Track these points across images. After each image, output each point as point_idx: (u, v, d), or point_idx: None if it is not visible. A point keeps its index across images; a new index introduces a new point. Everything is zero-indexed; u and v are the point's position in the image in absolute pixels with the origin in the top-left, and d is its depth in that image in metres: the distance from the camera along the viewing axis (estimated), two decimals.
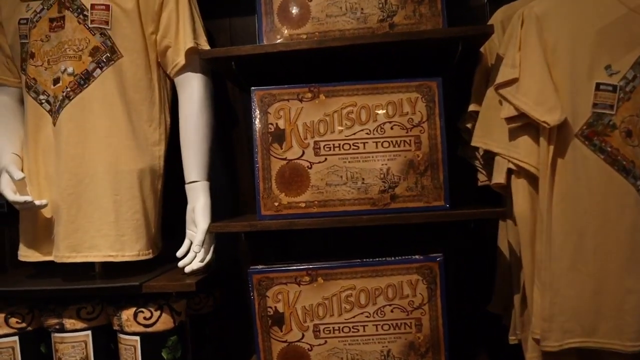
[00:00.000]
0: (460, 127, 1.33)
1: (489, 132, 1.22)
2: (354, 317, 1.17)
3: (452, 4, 1.34)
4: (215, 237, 1.31)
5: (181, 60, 1.30)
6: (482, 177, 1.33)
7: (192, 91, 1.32)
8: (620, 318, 1.11)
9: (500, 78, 1.16)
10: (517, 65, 1.14)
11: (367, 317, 1.17)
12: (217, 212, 1.32)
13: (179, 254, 1.27)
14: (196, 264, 1.24)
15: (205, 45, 1.33)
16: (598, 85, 1.12)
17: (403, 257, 1.18)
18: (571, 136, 1.13)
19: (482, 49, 1.26)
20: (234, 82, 1.43)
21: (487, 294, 1.35)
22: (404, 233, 1.29)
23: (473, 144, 1.24)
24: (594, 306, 1.12)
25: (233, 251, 1.45)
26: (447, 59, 1.25)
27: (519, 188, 1.18)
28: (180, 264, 1.26)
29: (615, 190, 1.11)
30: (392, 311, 1.17)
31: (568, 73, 1.12)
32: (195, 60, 1.31)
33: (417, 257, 1.18)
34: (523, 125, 1.15)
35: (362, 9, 1.23)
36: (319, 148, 1.19)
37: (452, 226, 1.30)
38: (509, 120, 1.15)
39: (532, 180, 1.17)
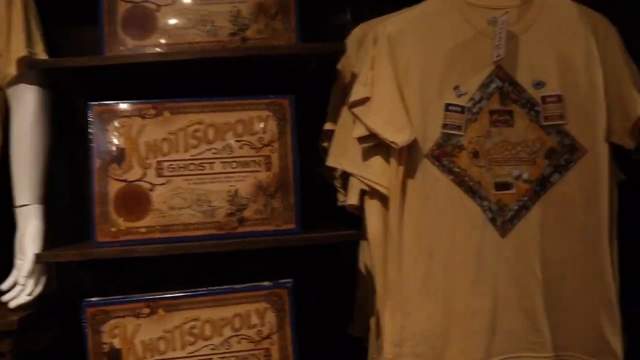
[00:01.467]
0: (319, 146, 1.29)
1: (343, 152, 1.18)
2: (198, 350, 1.08)
3: (316, 20, 1.31)
4: (54, 266, 1.19)
5: (12, 70, 1.17)
6: (341, 197, 1.28)
7: (26, 105, 1.19)
8: (468, 339, 1.09)
9: (353, 96, 1.12)
10: (369, 84, 1.10)
11: (212, 349, 1.09)
12: (61, 238, 1.20)
13: (4, 286, 1.14)
14: (23, 298, 1.12)
15: (41, 55, 1.21)
16: (447, 105, 1.11)
17: (251, 285, 1.11)
18: (421, 156, 1.11)
19: (339, 67, 1.23)
20: (80, 95, 1.32)
21: (349, 317, 1.31)
22: (257, 257, 1.22)
23: (328, 163, 1.20)
24: (444, 329, 1.10)
25: (76, 281, 1.33)
26: (304, 76, 1.21)
27: (372, 209, 1.14)
28: (5, 298, 1.12)
29: (463, 211, 1.10)
30: (239, 342, 1.10)
31: (419, 93, 1.11)
32: (30, 70, 1.19)
33: (265, 283, 1.12)
34: (376, 145, 1.11)
35: (213, 21, 1.16)
36: (162, 169, 1.10)
37: (309, 248, 1.25)
38: (361, 140, 1.11)
39: (385, 201, 1.13)
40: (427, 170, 1.10)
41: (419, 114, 1.10)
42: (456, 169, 1.10)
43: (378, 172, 1.12)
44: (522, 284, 1.10)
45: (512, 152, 1.11)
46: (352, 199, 1.16)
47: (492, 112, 1.11)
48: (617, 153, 1.14)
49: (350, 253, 1.26)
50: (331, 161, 1.19)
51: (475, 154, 1.10)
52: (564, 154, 1.11)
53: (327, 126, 1.22)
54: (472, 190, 1.10)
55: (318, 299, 1.34)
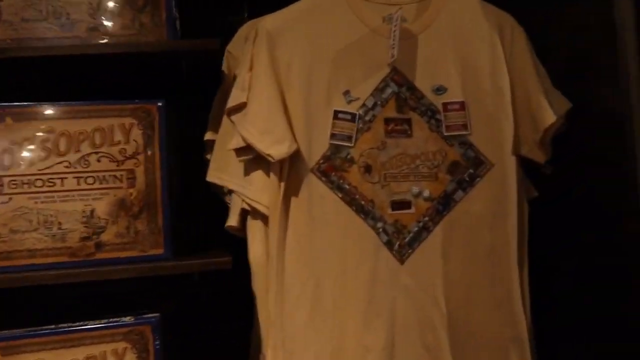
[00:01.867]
0: (205, 158, 1.14)
1: (224, 166, 1.03)
2: None
3: (210, 15, 1.18)
4: None
5: None
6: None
7: None
8: None
9: (230, 102, 0.98)
10: (246, 88, 0.97)
11: None
12: None
13: None
14: None
15: None
16: (336, 113, 0.97)
17: (107, 321, 0.95)
18: (306, 171, 0.96)
19: (224, 69, 1.09)
20: None
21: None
22: (122, 287, 1.06)
23: (208, 178, 1.05)
24: None
25: None
26: (183, 80, 1.07)
27: (255, 232, 0.99)
28: None
29: (354, 234, 0.96)
30: None
31: (303, 99, 0.97)
32: None
33: (126, 319, 0.96)
34: (257, 158, 0.98)
35: (68, 14, 1.00)
36: (2, 185, 0.93)
37: (186, 277, 1.10)
38: (239, 152, 0.97)
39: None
40: (313, 187, 0.96)
41: (304, 123, 0.96)
42: (346, 186, 0.96)
43: (258, 189, 0.97)
44: (424, 316, 0.97)
45: (410, 167, 0.98)
46: (232, 219, 1.01)
47: (387, 121, 0.98)
48: (528, 167, 1.04)
49: (245, 280, 1.11)
50: (211, 176, 1.04)
51: (368, 169, 0.97)
52: (468, 168, 0.99)
53: (208, 136, 1.08)
54: (363, 210, 0.96)
55: (200, 338, 1.18)
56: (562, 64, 1.06)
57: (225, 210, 1.05)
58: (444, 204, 0.98)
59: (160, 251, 0.97)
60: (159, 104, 0.98)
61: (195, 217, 1.08)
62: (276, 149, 0.92)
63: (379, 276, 0.96)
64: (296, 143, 0.94)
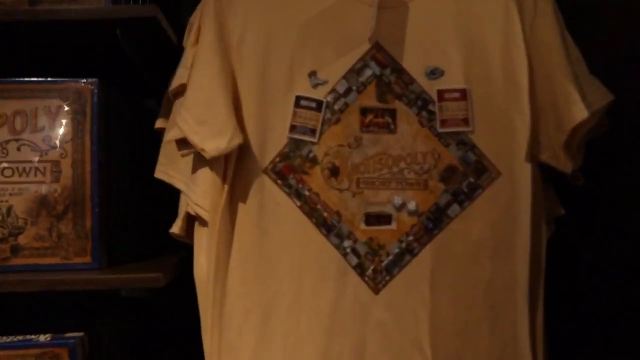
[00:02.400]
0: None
1: (173, 160, 0.85)
2: None
3: None
4: None
5: None
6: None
7: None
8: None
9: (173, 82, 0.80)
10: (189, 66, 0.79)
11: None
12: None
13: None
14: None
15: None
16: (298, 99, 0.77)
17: (19, 340, 0.81)
18: (258, 172, 0.77)
19: (185, 44, 0.91)
20: None
21: None
22: (49, 299, 0.91)
23: (156, 175, 0.88)
24: None
25: None
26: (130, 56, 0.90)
27: (202, 242, 0.81)
28: None
29: (313, 254, 0.76)
30: None
31: (258, 80, 0.77)
32: None
33: (41, 339, 0.81)
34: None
35: None
36: None
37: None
38: (179, 145, 0.79)
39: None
40: (266, 191, 0.77)
41: (257, 111, 0.77)
42: (305, 192, 0.77)
43: (202, 191, 0.78)
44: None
45: (392, 171, 0.77)
46: (176, 225, 0.83)
47: (364, 111, 0.77)
48: (554, 175, 0.80)
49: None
50: (158, 171, 0.86)
51: (334, 171, 0.76)
52: (467, 176, 0.76)
53: (159, 124, 0.91)
54: (325, 224, 0.76)
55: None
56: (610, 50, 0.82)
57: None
58: (434, 220, 0.76)
59: (86, 259, 0.81)
60: (92, 83, 0.82)
61: (146, 221, 0.92)
62: (212, 143, 0.73)
63: (344, 308, 0.75)
64: (241, 136, 0.74)
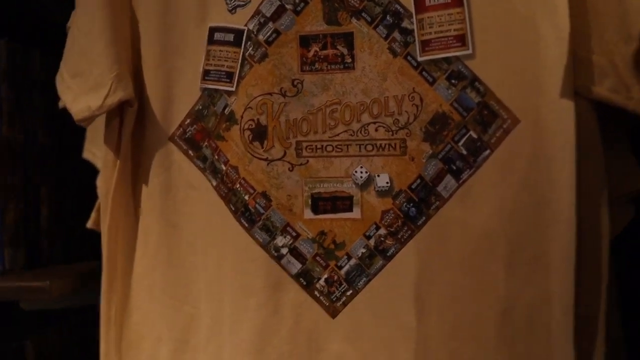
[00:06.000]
0: None
1: (97, 135, 0.66)
2: None
3: None
4: None
5: None
6: None
7: None
8: None
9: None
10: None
11: None
12: None
13: None
14: None
15: None
16: (212, 31, 0.53)
17: None
18: (164, 141, 0.54)
19: None
20: None
21: None
22: None
23: (83, 155, 0.69)
24: None
25: None
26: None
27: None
28: None
29: (232, 258, 0.51)
30: None
31: (160, 12, 0.54)
32: None
33: None
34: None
35: None
36: None
37: None
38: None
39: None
40: (175, 168, 0.54)
41: (159, 55, 0.54)
42: (222, 166, 0.53)
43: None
44: None
45: (351, 128, 0.50)
46: (91, 218, 0.63)
47: (305, 41, 0.51)
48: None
49: None
50: (85, 151, 0.67)
51: (259, 133, 0.51)
52: (466, 129, 0.47)
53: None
54: (248, 212, 0.51)
55: None
56: None
57: None
58: (418, 202, 0.48)
59: None
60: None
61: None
62: (82, 101, 0.52)
63: (279, 339, 0.50)
64: (127, 90, 0.51)
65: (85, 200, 0.71)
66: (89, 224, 0.63)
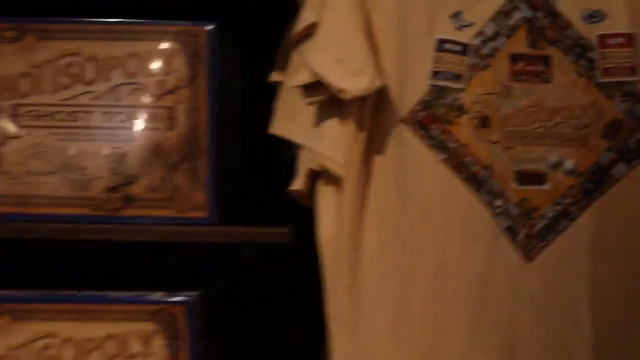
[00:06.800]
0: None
1: (292, 114, 0.77)
2: None
3: None
4: None
5: None
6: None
7: None
8: None
9: (297, 26, 0.73)
10: (318, 6, 0.71)
11: None
12: None
13: None
14: None
15: None
16: (440, 42, 0.69)
17: (132, 295, 0.76)
18: (396, 121, 0.70)
19: None
20: None
21: None
22: (158, 254, 0.86)
23: (272, 130, 0.82)
24: None
25: None
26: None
27: (326, 201, 0.73)
28: None
29: (460, 213, 0.69)
30: None
31: (395, 22, 0.70)
32: None
33: (154, 295, 0.76)
34: (333, 103, 0.72)
35: None
36: (19, 115, 0.76)
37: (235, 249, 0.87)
38: (307, 91, 0.71)
39: None
40: (406, 143, 0.70)
41: (394, 55, 0.70)
42: (452, 144, 0.69)
43: (330, 143, 0.71)
44: (558, 342, 0.68)
45: (547, 125, 0.68)
46: (297, 182, 0.75)
47: (514, 58, 0.69)
48: None
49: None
50: (275, 127, 0.80)
51: (484, 122, 0.69)
52: (635, 131, 0.68)
53: (274, 77, 0.84)
54: (476, 179, 0.68)
55: (249, 327, 0.93)
56: None
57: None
58: (595, 181, 0.68)
59: (202, 214, 0.76)
60: (209, 27, 0.76)
61: (252, 177, 0.86)
62: (353, 82, 0.66)
63: (494, 276, 0.68)
64: (382, 78, 0.68)
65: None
66: (298, 186, 0.76)
